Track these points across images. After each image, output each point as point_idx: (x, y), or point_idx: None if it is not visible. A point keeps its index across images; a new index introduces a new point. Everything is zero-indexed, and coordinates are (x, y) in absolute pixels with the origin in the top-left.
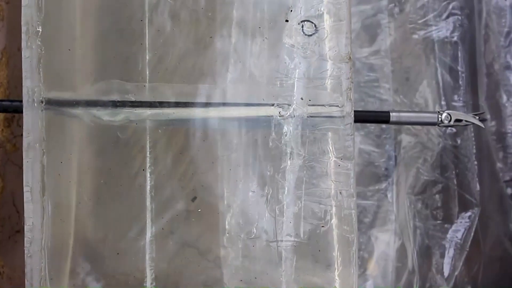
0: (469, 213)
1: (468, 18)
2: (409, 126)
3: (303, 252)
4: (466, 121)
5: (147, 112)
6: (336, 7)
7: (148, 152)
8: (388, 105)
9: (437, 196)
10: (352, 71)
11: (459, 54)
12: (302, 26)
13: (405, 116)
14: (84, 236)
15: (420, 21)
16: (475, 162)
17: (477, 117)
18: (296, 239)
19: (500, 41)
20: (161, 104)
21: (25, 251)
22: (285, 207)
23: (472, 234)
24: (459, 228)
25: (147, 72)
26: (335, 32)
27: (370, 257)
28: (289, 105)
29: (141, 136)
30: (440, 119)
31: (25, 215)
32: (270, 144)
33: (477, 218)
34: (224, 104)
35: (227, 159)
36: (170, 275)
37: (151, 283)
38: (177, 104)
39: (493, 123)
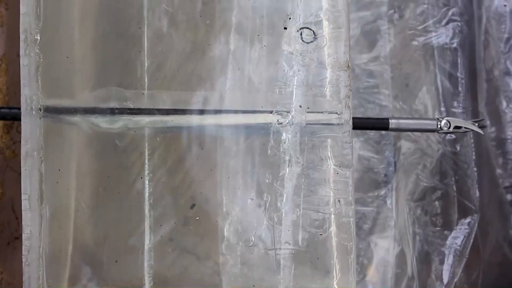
0: (468, 220)
1: (468, 24)
2: (409, 133)
3: (301, 260)
4: (465, 128)
5: (146, 119)
6: (335, 15)
7: (146, 160)
8: (388, 111)
9: (436, 202)
10: (350, 78)
11: (459, 60)
12: (301, 34)
13: (404, 123)
14: (82, 244)
15: (419, 27)
16: (475, 169)
17: (477, 124)
18: (294, 247)
19: (500, 47)
20: (159, 112)
21: (23, 259)
22: (283, 214)
23: (472, 240)
24: (459, 235)
25: (146, 79)
26: (333, 39)
27: (369, 263)
28: (287, 112)
29: (140, 144)
30: (439, 126)
31: (23, 223)
32: (269, 151)
33: (476, 225)
34: (223, 112)
35: (225, 166)
36: (168, 282)
37: None
38: (176, 112)
39: (493, 129)
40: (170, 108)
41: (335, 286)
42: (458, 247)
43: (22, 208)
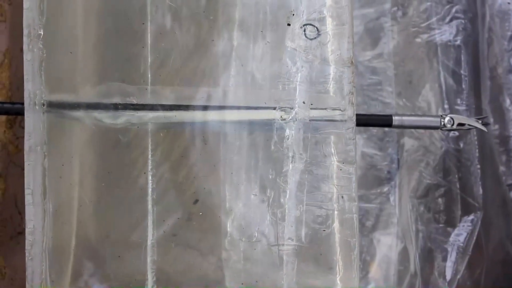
0: (471, 217)
1: (472, 22)
2: (412, 130)
3: (304, 256)
4: (469, 125)
5: (149, 115)
6: (338, 11)
7: (149, 155)
8: (391, 108)
9: (439, 199)
10: (354, 75)
11: (462, 58)
12: (304, 30)
13: (408, 120)
14: (85, 239)
15: (423, 25)
16: (478, 166)
17: (480, 121)
18: (297, 243)
19: (503, 44)
20: (162, 107)
21: (26, 254)
22: (286, 210)
23: (475, 237)
24: (462, 232)
25: (149, 75)
26: (337, 36)
27: (372, 260)
28: (291, 108)
29: (143, 139)
30: (442, 123)
31: (26, 217)
32: (272, 147)
33: (479, 222)
34: (226, 108)
35: (229, 162)
36: (171, 278)
37: (153, 286)
38: (179, 107)
39: (496, 126)
40: (173, 104)
41: (338, 282)
42: (461, 244)
43: (25, 202)
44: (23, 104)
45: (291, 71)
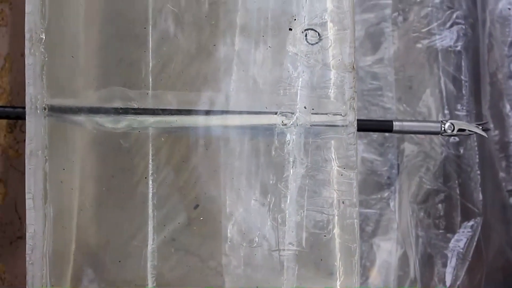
0: (471, 223)
1: (472, 27)
2: (412, 135)
3: (305, 261)
4: (469, 130)
5: (150, 119)
6: (340, 16)
7: (150, 160)
8: (391, 113)
9: (439, 205)
10: (355, 80)
11: (463, 63)
12: (306, 35)
13: (408, 125)
14: (85, 243)
15: (423, 30)
16: (478, 172)
17: (480, 127)
18: (298, 248)
19: (503, 50)
20: (164, 112)
21: (27, 258)
22: (287, 215)
23: (475, 243)
24: (462, 238)
25: (150, 80)
26: (338, 41)
27: (372, 266)
28: (292, 113)
29: (144, 144)
30: (443, 128)
31: (27, 222)
32: (273, 152)
33: (479, 228)
34: (227, 112)
35: (229, 167)
36: (171, 283)
37: None
38: (180, 112)
39: (496, 132)
40: (175, 108)
41: (339, 287)
42: (461, 250)
43: (26, 207)
44: (24, 108)
45: (292, 76)
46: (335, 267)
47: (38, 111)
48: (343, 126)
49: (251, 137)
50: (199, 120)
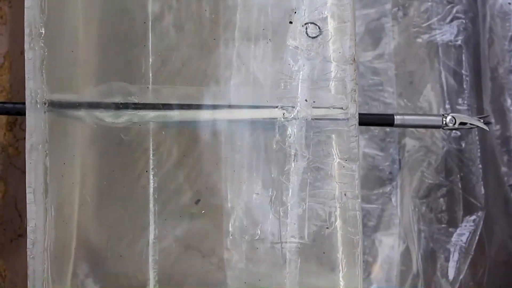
0: (473, 217)
1: (472, 22)
2: (413, 130)
3: (307, 254)
4: (470, 124)
5: (150, 114)
6: (340, 9)
7: (151, 154)
8: (392, 108)
9: (441, 199)
10: (356, 72)
11: (463, 58)
12: (306, 28)
13: (410, 119)
14: (86, 238)
15: (424, 25)
16: (480, 166)
17: (482, 120)
18: (300, 241)
19: (504, 45)
20: (164, 106)
21: (28, 253)
22: (289, 208)
23: (477, 238)
24: (464, 232)
25: (150, 74)
26: (339, 33)
27: (374, 261)
28: (293, 107)
29: (144, 138)
30: (444, 122)
31: (28, 216)
32: (274, 146)
33: (482, 222)
34: (228, 107)
35: (231, 161)
36: (173, 277)
37: (154, 286)
38: (181, 106)
39: (498, 126)
40: (175, 103)
41: (342, 280)
42: (464, 244)
43: (27, 201)
44: (24, 104)
45: (293, 70)
46: (338, 260)
47: (38, 106)
48: (344, 118)
49: (252, 130)
50: (200, 115)
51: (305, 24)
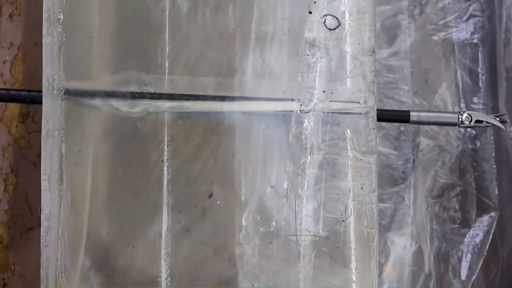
0: (487, 217)
1: (489, 20)
2: (428, 129)
3: (322, 247)
4: (486, 122)
5: (166, 104)
6: (359, 0)
7: (166, 145)
8: (407, 107)
9: (455, 199)
10: (375, 64)
11: (479, 56)
12: (325, 20)
13: (425, 115)
14: (99, 228)
15: (440, 23)
16: (494, 166)
17: (498, 119)
18: (315, 234)
19: None
20: (180, 97)
21: (41, 240)
22: (304, 202)
23: (490, 238)
24: (477, 232)
25: (167, 64)
26: (358, 25)
27: (386, 261)
28: (310, 99)
29: (160, 129)
30: (460, 119)
31: (42, 203)
32: (290, 138)
33: (495, 222)
34: (245, 98)
35: (246, 153)
36: (186, 269)
37: (166, 278)
38: (197, 97)
39: None
40: (191, 93)
41: (356, 273)
42: (477, 245)
43: (42, 188)
44: (39, 92)
45: (310, 62)
46: (353, 253)
47: (55, 92)
48: (362, 111)
49: (267, 123)
50: (216, 106)
51: (324, 16)
